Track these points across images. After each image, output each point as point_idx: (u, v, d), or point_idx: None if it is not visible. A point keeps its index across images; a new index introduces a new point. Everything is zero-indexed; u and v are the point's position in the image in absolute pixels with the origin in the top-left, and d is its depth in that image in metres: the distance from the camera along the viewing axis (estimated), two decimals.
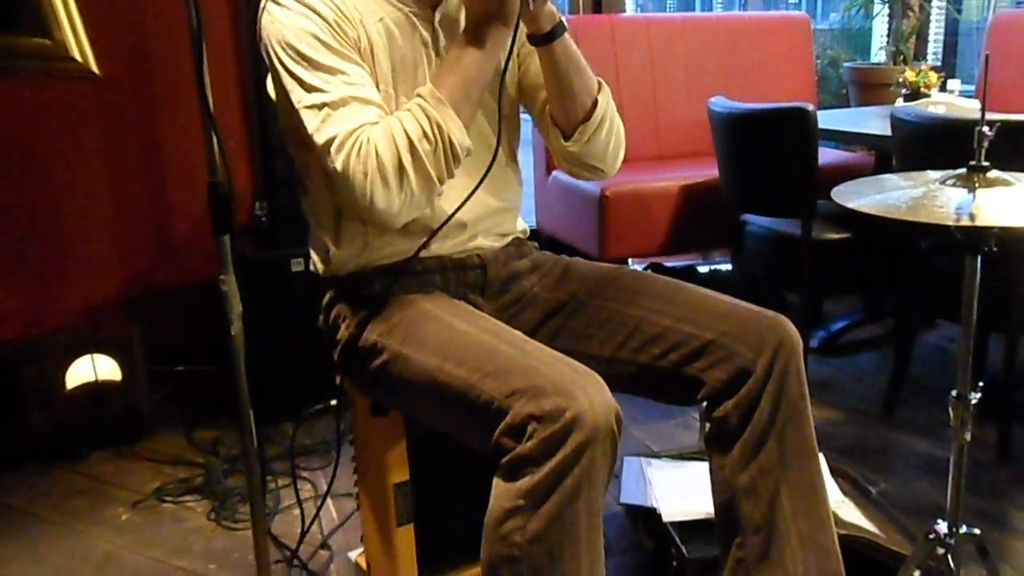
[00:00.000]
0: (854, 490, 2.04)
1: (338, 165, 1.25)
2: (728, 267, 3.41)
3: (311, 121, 1.28)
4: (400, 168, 1.25)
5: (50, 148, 2.73)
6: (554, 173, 3.43)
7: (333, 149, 1.26)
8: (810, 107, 2.50)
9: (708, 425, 1.45)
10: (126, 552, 2.03)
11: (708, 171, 3.05)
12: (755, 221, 2.88)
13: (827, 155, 3.24)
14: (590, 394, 1.13)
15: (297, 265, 2.52)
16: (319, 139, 1.27)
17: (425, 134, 1.26)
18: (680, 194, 3.12)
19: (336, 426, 1.60)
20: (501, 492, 1.15)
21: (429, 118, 1.26)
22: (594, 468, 1.12)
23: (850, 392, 2.78)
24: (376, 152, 1.25)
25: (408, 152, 1.25)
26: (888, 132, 2.44)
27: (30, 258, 2.77)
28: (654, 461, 2.08)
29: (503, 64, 1.33)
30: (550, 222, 3.51)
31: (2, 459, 2.42)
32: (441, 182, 1.30)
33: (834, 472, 1.97)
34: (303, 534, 1.74)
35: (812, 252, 2.66)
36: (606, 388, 1.17)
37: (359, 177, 1.25)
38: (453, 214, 1.37)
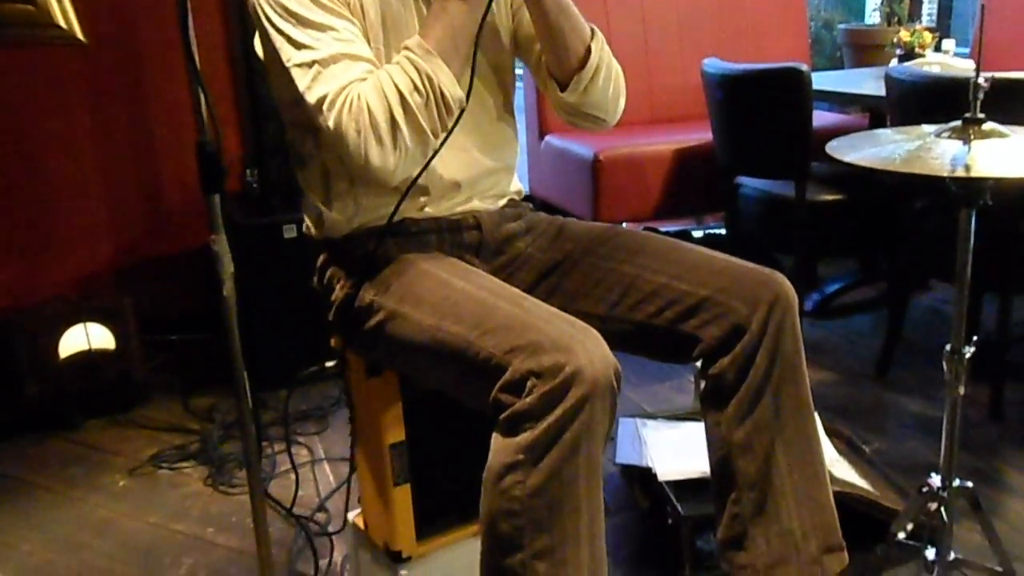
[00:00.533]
0: (848, 449, 2.05)
1: (331, 123, 1.24)
2: (722, 231, 3.40)
3: (301, 79, 1.27)
4: (393, 123, 1.24)
5: (36, 117, 2.71)
6: (547, 138, 3.41)
7: (325, 107, 1.24)
8: (804, 67, 2.48)
9: (703, 383, 1.45)
10: (124, 518, 2.04)
11: (702, 134, 3.03)
12: (749, 184, 2.87)
13: (821, 118, 3.22)
14: (589, 349, 1.13)
15: (289, 231, 2.51)
16: (310, 98, 1.26)
17: (416, 87, 1.24)
18: (674, 158, 3.11)
19: (340, 388, 1.58)
20: (500, 447, 1.14)
21: (418, 70, 1.25)
22: (593, 423, 1.12)
23: (844, 354, 2.79)
24: (368, 108, 1.23)
25: (400, 106, 1.24)
26: (883, 92, 2.43)
27: (19, 228, 2.75)
28: (649, 422, 2.09)
29: (483, 12, 1.30)
30: (543, 187, 3.50)
31: None
32: (435, 136, 1.28)
33: (828, 432, 1.98)
34: (296, 492, 1.74)
35: (806, 214, 2.65)
36: (604, 344, 1.16)
37: (352, 135, 1.24)
38: (428, 163, 1.33)
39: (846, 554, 1.42)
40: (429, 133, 1.27)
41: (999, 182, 1.25)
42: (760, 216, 2.86)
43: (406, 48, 1.27)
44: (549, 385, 1.10)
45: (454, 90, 1.27)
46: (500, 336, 1.17)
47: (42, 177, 2.75)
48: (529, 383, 1.11)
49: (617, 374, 1.15)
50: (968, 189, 1.27)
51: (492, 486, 1.15)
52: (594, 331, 1.18)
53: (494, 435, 1.16)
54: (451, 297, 1.28)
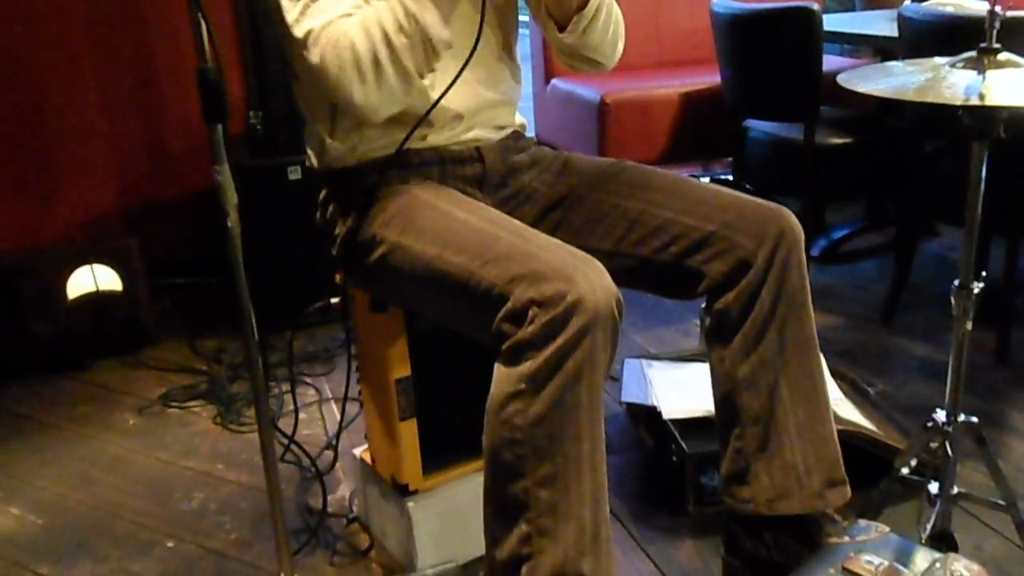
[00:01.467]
0: (852, 391, 2.06)
1: (315, 59, 1.23)
2: (729, 177, 3.38)
3: (290, 12, 1.26)
4: (376, 62, 1.23)
5: (38, 58, 2.68)
6: (553, 81, 3.37)
7: (310, 42, 1.24)
8: (815, 6, 2.44)
9: (708, 319, 1.45)
10: (135, 455, 2.06)
11: (710, 78, 2.99)
12: (757, 127, 2.84)
13: (831, 62, 3.17)
14: (591, 278, 1.13)
15: (294, 173, 2.50)
16: (297, 32, 1.25)
17: (401, 27, 1.23)
18: (681, 101, 3.07)
19: (343, 325, 1.58)
20: (502, 377, 1.15)
21: (406, 10, 1.23)
22: (595, 351, 1.12)
23: (850, 299, 2.78)
24: (352, 46, 1.22)
25: (384, 45, 1.23)
26: (895, 33, 2.39)
27: (23, 171, 2.74)
28: (655, 362, 2.09)
29: None
30: (549, 131, 3.47)
31: (7, 369, 2.44)
32: (421, 76, 1.27)
33: (833, 374, 1.98)
34: (296, 422, 1.75)
35: (815, 157, 2.63)
36: (607, 274, 1.16)
37: (334, 71, 1.23)
38: (440, 99, 1.33)
39: (848, 488, 1.43)
40: (413, 73, 1.26)
41: (1014, 113, 1.23)
42: (768, 160, 2.84)
43: None
44: (551, 314, 1.10)
45: (440, 32, 1.25)
46: (502, 266, 1.17)
47: (44, 120, 2.73)
48: (531, 312, 1.11)
49: (619, 303, 1.15)
50: (982, 120, 1.25)
51: (494, 416, 1.15)
52: (596, 261, 1.17)
53: (496, 365, 1.17)
54: (453, 228, 1.28)
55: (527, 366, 1.12)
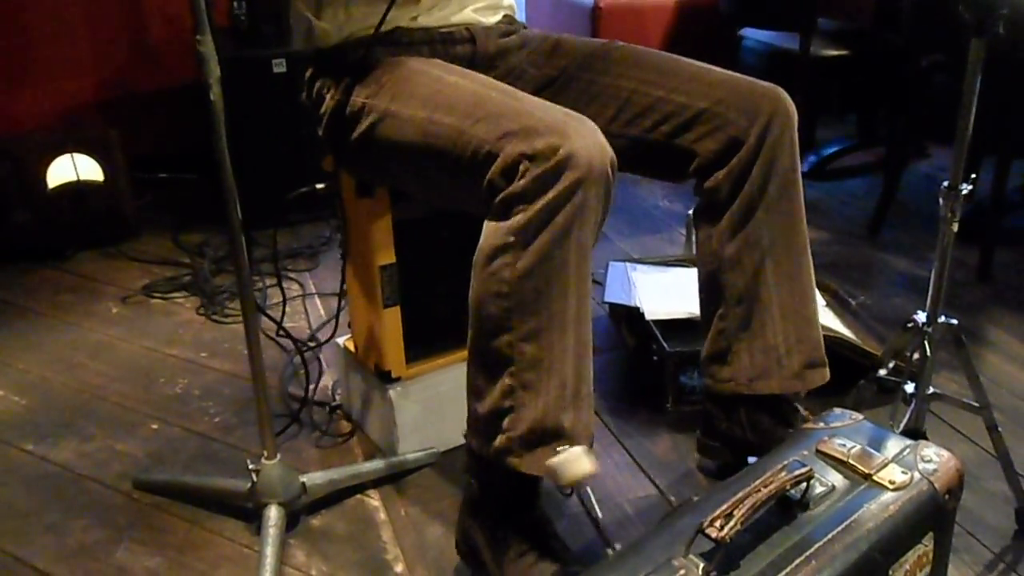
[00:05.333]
0: (834, 301, 2.07)
1: None
2: None
3: None
4: None
5: None
6: None
7: None
8: None
9: (698, 199, 1.44)
10: (119, 341, 2.06)
11: None
12: (753, 36, 2.80)
13: None
14: (584, 135, 1.11)
15: (279, 66, 2.44)
16: None
17: None
18: (676, 8, 3.02)
19: (331, 226, 1.56)
20: (491, 231, 1.13)
21: None
22: (586, 207, 1.10)
23: (837, 214, 2.78)
24: None
25: None
26: None
27: (0, 56, 2.66)
28: (639, 266, 2.10)
29: None
30: None
31: None
32: None
33: (816, 285, 2.00)
34: (283, 312, 1.74)
35: (810, 68, 2.60)
36: (600, 133, 1.13)
37: None
38: None
39: (827, 370, 1.44)
40: None
41: (1014, 7, 1.21)
42: (762, 70, 2.80)
43: None
44: (542, 167, 1.08)
45: None
46: (492, 123, 1.15)
47: (21, 7, 2.64)
48: (522, 166, 1.10)
49: (612, 163, 1.13)
50: (981, 12, 1.22)
51: (481, 269, 1.14)
52: (589, 120, 1.15)
53: (486, 221, 1.15)
54: (443, 91, 1.25)
55: (517, 219, 1.10)
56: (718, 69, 1.42)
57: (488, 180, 1.13)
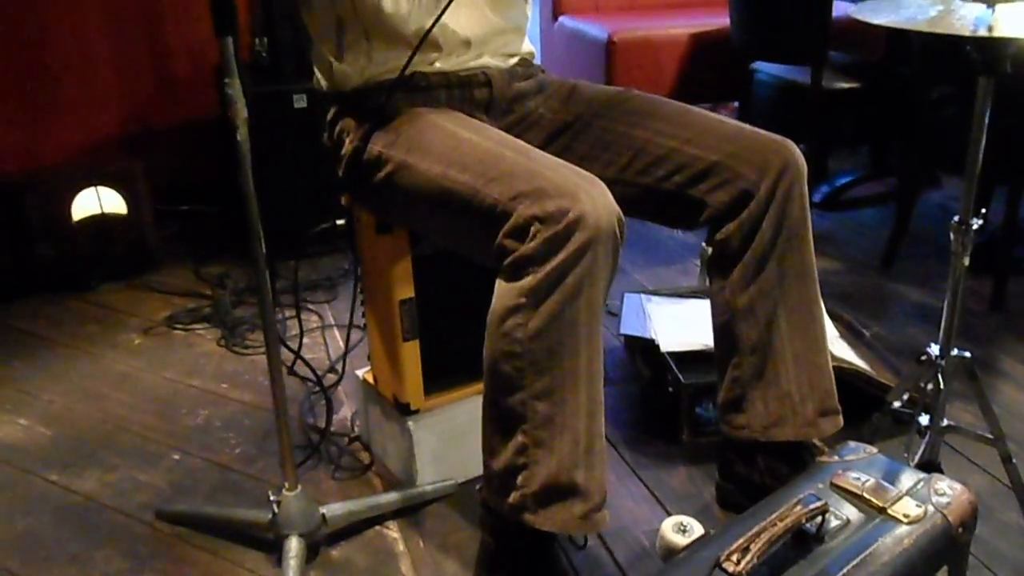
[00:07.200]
0: (848, 332, 2.09)
1: None
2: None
3: None
4: None
5: None
6: (561, 19, 3.35)
7: None
8: None
9: (710, 250, 1.47)
10: (141, 372, 2.10)
11: (718, 19, 2.97)
12: (764, 70, 2.83)
13: (840, 8, 3.15)
14: (593, 196, 1.14)
15: (299, 101, 2.49)
16: None
17: None
18: (689, 42, 3.06)
19: (348, 258, 1.59)
20: (504, 291, 1.17)
21: None
22: (595, 268, 1.14)
23: (850, 244, 2.80)
24: None
25: None
26: None
27: (27, 91, 2.73)
28: (654, 297, 2.12)
29: None
30: (555, 68, 3.43)
31: (13, 288, 2.47)
32: None
33: (830, 315, 2.01)
34: (300, 343, 1.77)
35: (821, 101, 2.63)
36: (608, 193, 1.17)
37: None
38: (441, 15, 1.32)
39: (840, 418, 1.47)
40: None
41: (1020, 48, 1.24)
42: (774, 103, 2.83)
43: None
44: (552, 230, 1.12)
45: None
46: (505, 183, 1.19)
47: (49, 42, 2.71)
48: (533, 228, 1.13)
49: (620, 222, 1.16)
50: (989, 53, 1.25)
51: (495, 329, 1.18)
52: (599, 180, 1.18)
53: (498, 281, 1.19)
54: (459, 147, 1.29)
55: (528, 281, 1.14)
56: (730, 121, 1.45)
57: (499, 242, 1.17)
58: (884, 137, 3.13)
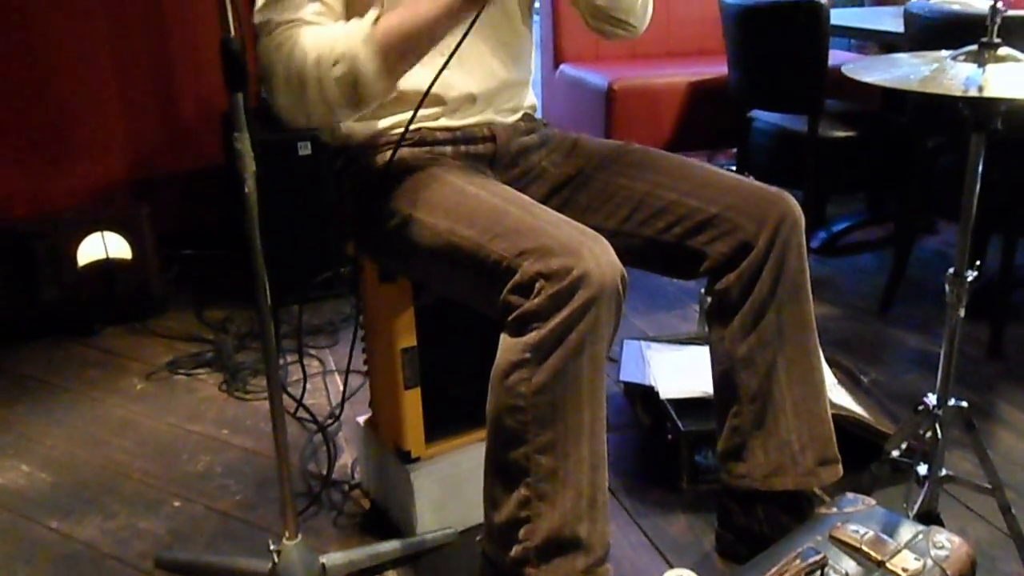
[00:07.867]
0: (846, 378, 2.10)
1: (260, 47, 1.29)
2: (733, 168, 3.42)
3: None
4: (303, 82, 1.26)
5: (50, 23, 2.70)
6: (562, 67, 3.40)
7: (263, 32, 1.29)
8: (823, 0, 2.48)
9: (709, 300, 1.49)
10: (142, 417, 2.11)
11: (717, 68, 3.02)
12: (762, 118, 2.88)
13: (838, 57, 3.20)
14: (596, 254, 1.16)
15: (304, 149, 2.53)
16: (257, 17, 1.30)
17: (336, 62, 1.24)
18: (688, 90, 3.10)
19: (351, 303, 1.62)
20: (508, 346, 1.19)
21: (349, 50, 1.24)
22: (599, 324, 1.16)
23: (848, 290, 2.82)
24: (293, 55, 1.26)
25: (316, 70, 1.25)
26: (901, 29, 2.42)
27: (35, 137, 2.77)
28: (653, 344, 2.13)
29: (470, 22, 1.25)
30: (556, 116, 3.50)
31: (17, 332, 2.48)
32: (354, 108, 1.29)
33: (828, 362, 2.02)
34: (303, 389, 1.78)
35: (818, 149, 2.67)
36: (612, 250, 1.19)
37: (268, 67, 1.29)
38: (437, 76, 1.32)
39: (840, 467, 1.48)
40: (333, 107, 1.28)
41: (1011, 105, 1.27)
42: (772, 150, 2.87)
43: (360, 24, 1.26)
44: (557, 287, 1.14)
45: (374, 86, 1.26)
46: (511, 240, 1.21)
47: (57, 87, 2.76)
48: (538, 285, 1.15)
49: (623, 279, 1.19)
50: (980, 111, 1.28)
51: (499, 383, 1.19)
52: (602, 237, 1.21)
53: (502, 335, 1.21)
54: (464, 203, 1.31)
55: (532, 336, 1.16)
56: (729, 174, 1.48)
57: (504, 297, 1.19)
58: (880, 184, 3.17)
